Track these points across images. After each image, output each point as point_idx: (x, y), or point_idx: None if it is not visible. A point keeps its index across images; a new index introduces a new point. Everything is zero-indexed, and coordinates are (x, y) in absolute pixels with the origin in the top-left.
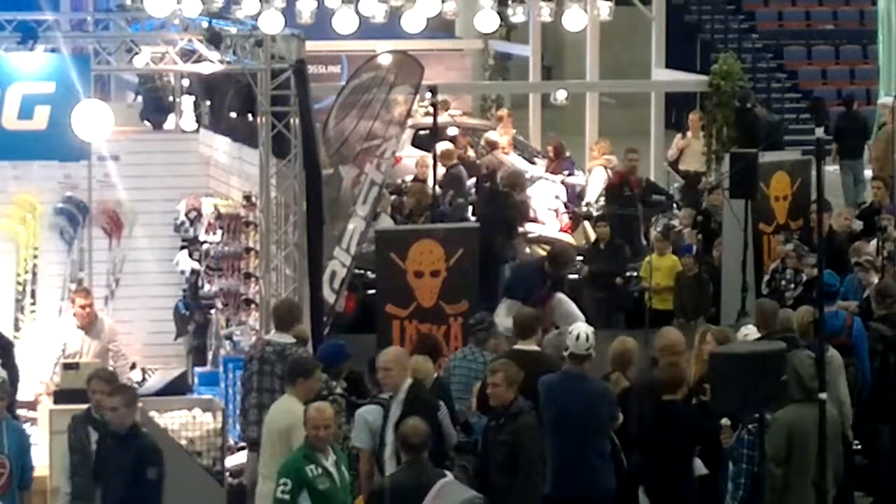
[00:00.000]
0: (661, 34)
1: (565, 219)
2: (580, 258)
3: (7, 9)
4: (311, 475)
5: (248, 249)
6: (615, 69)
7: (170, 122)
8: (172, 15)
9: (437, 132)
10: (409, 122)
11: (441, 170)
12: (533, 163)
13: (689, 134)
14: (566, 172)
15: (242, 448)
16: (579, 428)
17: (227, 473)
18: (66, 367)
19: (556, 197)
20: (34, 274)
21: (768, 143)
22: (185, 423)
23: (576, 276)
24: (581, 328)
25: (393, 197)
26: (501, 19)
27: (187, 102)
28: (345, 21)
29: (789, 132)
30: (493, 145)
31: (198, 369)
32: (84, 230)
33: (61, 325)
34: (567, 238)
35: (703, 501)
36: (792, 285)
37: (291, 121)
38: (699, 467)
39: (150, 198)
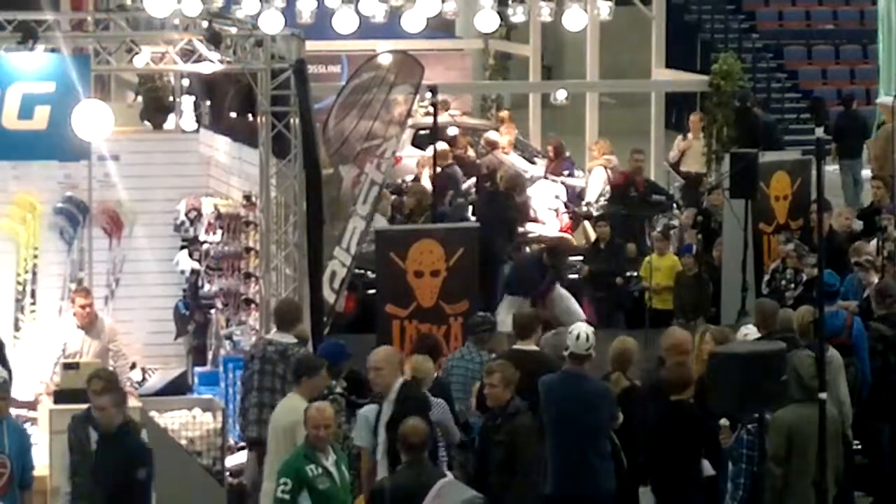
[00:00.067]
0: (662, 34)
1: (565, 219)
2: (580, 258)
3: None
4: (312, 475)
5: (248, 249)
6: (615, 69)
7: (170, 122)
8: (172, 15)
9: (437, 132)
10: (410, 121)
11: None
12: (533, 163)
13: (689, 135)
14: (566, 172)
15: (242, 448)
16: (579, 428)
17: (227, 473)
18: (66, 366)
19: (556, 197)
20: (34, 274)
21: (767, 142)
22: (185, 422)
23: (576, 276)
24: (581, 328)
25: (393, 197)
26: (501, 19)
27: (187, 102)
28: (345, 21)
29: (789, 132)
30: (493, 145)
31: (198, 369)
32: (84, 230)
33: (61, 325)
34: (567, 238)
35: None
36: (792, 285)
37: (291, 121)
38: (707, 468)
39: (150, 198)
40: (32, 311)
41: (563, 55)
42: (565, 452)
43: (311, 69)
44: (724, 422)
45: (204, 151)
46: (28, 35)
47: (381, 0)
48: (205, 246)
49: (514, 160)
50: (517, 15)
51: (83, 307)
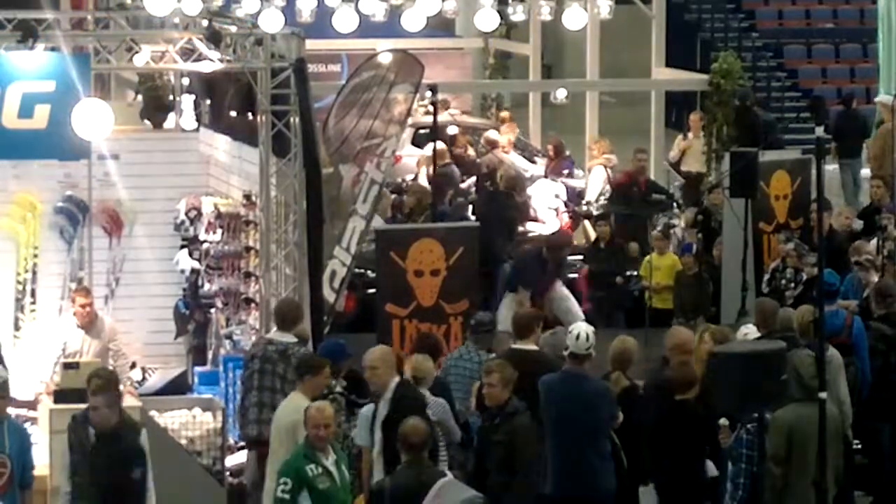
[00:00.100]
0: (662, 33)
1: (565, 218)
2: (580, 258)
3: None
4: (312, 475)
5: (248, 248)
6: (615, 68)
7: (170, 120)
8: (172, 13)
9: (437, 131)
10: (410, 121)
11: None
12: (533, 162)
13: (690, 135)
14: (566, 172)
15: (242, 448)
16: (579, 428)
17: (227, 473)
18: (66, 366)
19: (556, 196)
20: (34, 273)
21: (767, 142)
22: (185, 422)
23: (576, 275)
24: (581, 327)
25: (393, 196)
26: (501, 18)
27: (187, 101)
28: (345, 20)
29: (789, 131)
30: (492, 144)
31: (198, 369)
32: (84, 229)
33: (61, 325)
34: (566, 232)
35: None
36: (792, 284)
37: (291, 119)
38: (711, 469)
39: (150, 197)
40: (32, 311)
41: (563, 54)
42: (565, 452)
43: (311, 68)
44: (723, 421)
45: (204, 150)
46: (28, 34)
47: None
48: (205, 245)
49: (514, 159)
50: (517, 14)
51: (83, 306)
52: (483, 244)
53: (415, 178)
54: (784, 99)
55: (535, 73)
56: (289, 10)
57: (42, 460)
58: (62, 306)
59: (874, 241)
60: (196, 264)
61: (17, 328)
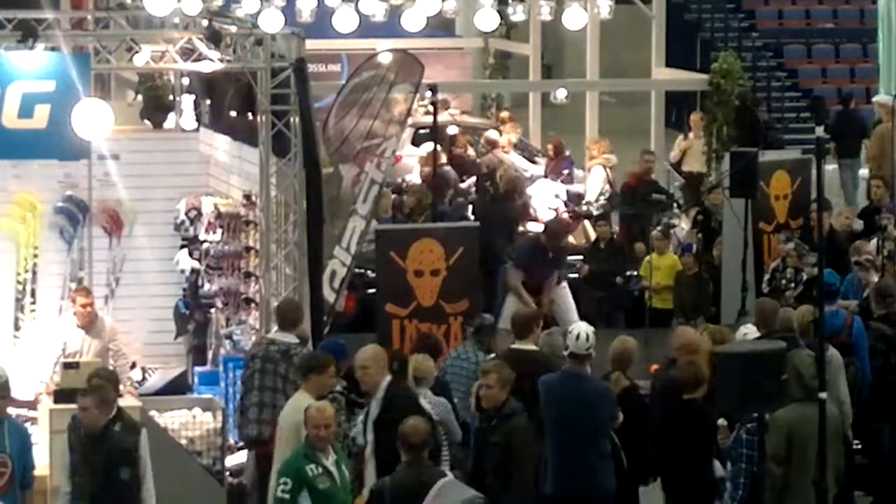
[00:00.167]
0: (662, 33)
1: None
2: (580, 258)
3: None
4: (312, 475)
5: (248, 248)
6: (615, 68)
7: (170, 120)
8: (172, 13)
9: (437, 131)
10: (410, 120)
11: (426, 170)
12: (534, 162)
13: (690, 135)
14: (566, 172)
15: (242, 448)
16: (579, 428)
17: (227, 473)
18: (67, 366)
19: (556, 196)
20: (34, 273)
21: (766, 142)
22: (185, 422)
23: (576, 276)
24: (581, 328)
25: (393, 196)
26: (501, 18)
27: (187, 101)
28: (345, 20)
29: (789, 131)
30: (492, 144)
31: (198, 369)
32: (84, 229)
33: (61, 325)
34: (565, 220)
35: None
36: (792, 284)
37: (291, 119)
38: (718, 469)
39: (150, 197)
40: (32, 311)
41: (563, 54)
42: (565, 452)
43: (311, 68)
44: (721, 422)
45: (204, 150)
46: (28, 34)
47: None
48: (205, 245)
49: (514, 159)
50: (517, 14)
51: (84, 306)
52: (483, 244)
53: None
54: (784, 99)
55: (535, 73)
56: (289, 10)
57: (42, 460)
58: (62, 306)
59: (874, 241)
60: (196, 264)
61: (17, 328)
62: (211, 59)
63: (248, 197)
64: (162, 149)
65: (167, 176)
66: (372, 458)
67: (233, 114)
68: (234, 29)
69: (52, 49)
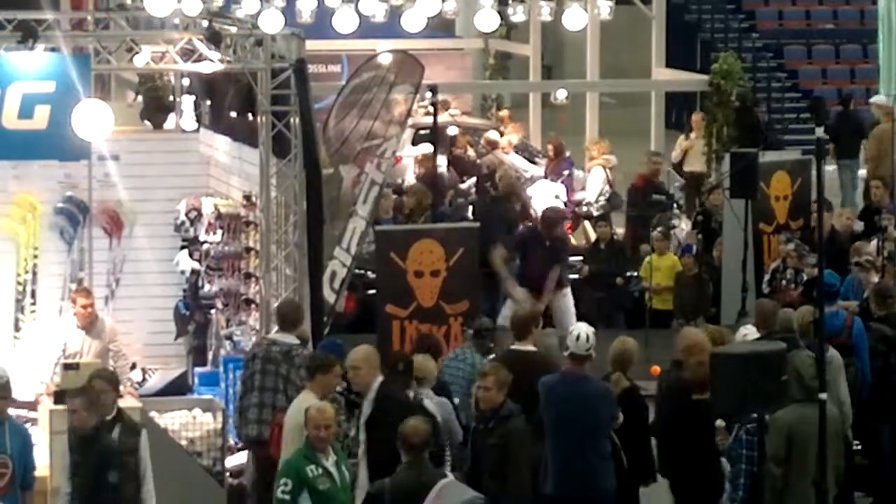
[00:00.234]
0: (662, 33)
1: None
2: (580, 258)
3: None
4: (312, 475)
5: (248, 249)
6: (615, 69)
7: (170, 121)
8: (173, 14)
9: (437, 132)
10: (410, 121)
11: (421, 171)
12: (534, 162)
13: (692, 134)
14: (566, 173)
15: (242, 448)
16: (579, 428)
17: (227, 473)
18: (67, 367)
19: (556, 197)
20: (34, 274)
21: (766, 142)
22: (185, 423)
23: (576, 277)
24: (582, 328)
25: (394, 197)
26: (501, 18)
27: (187, 102)
28: (345, 20)
29: (789, 132)
30: (493, 145)
31: (198, 369)
32: (84, 230)
33: (62, 325)
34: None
35: None
36: (792, 285)
37: (292, 120)
38: (726, 468)
39: (150, 197)
40: (32, 311)
41: (564, 55)
42: (565, 452)
43: (312, 69)
44: (719, 423)
45: (204, 151)
46: (28, 34)
47: None
48: (205, 246)
49: (515, 160)
50: (517, 14)
51: (84, 307)
52: (483, 245)
53: (416, 179)
54: (784, 100)
55: (536, 74)
56: (289, 11)
57: (42, 461)
58: (62, 307)
59: (874, 242)
60: (196, 265)
61: (17, 329)
62: (211, 60)
63: (248, 198)
64: (162, 149)
65: (167, 177)
66: (364, 459)
67: (233, 114)
68: (234, 30)
69: (53, 50)
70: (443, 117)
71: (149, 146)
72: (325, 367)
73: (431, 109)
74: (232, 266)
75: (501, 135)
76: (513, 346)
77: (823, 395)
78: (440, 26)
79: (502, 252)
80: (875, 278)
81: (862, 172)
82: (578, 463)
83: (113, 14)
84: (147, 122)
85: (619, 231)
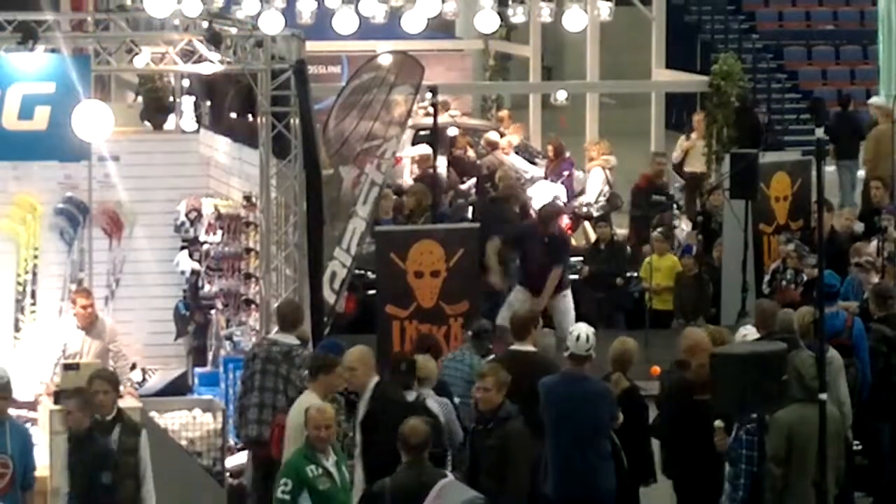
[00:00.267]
0: (662, 34)
1: (565, 219)
2: (580, 258)
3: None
4: (312, 475)
5: (248, 250)
6: (615, 69)
7: (170, 122)
8: (173, 15)
9: (437, 133)
10: (410, 122)
11: (417, 173)
12: (534, 163)
13: (693, 135)
14: (566, 173)
15: (242, 449)
16: (579, 428)
17: (227, 473)
18: (67, 367)
19: (556, 197)
20: (34, 274)
21: (766, 143)
22: (185, 423)
23: (576, 277)
24: (582, 329)
25: (395, 197)
26: (501, 19)
27: (187, 103)
28: (345, 21)
29: (789, 133)
30: (493, 145)
31: (198, 370)
32: (84, 230)
33: (61, 326)
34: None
35: None
36: (792, 285)
37: (292, 121)
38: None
39: (150, 198)
40: (32, 312)
41: (564, 56)
42: (565, 452)
43: (312, 70)
44: (718, 423)
45: (204, 152)
46: (28, 35)
47: (381, 0)
48: (205, 246)
49: (515, 161)
50: (517, 15)
51: (84, 308)
52: (483, 245)
53: (416, 179)
54: (784, 101)
55: (536, 75)
56: (289, 12)
57: (42, 461)
58: (62, 307)
59: (874, 243)
60: (196, 265)
61: (17, 329)
62: (211, 61)
63: (248, 198)
64: (162, 150)
65: (167, 177)
66: (360, 459)
67: (233, 115)
68: (234, 30)
69: (53, 51)
70: (443, 118)
71: (149, 147)
72: (328, 367)
73: (431, 110)
74: (232, 266)
75: (501, 136)
76: (512, 347)
77: (823, 396)
78: (440, 27)
79: (496, 243)
80: (875, 279)
81: (861, 173)
82: (578, 463)
83: (113, 15)
84: (147, 123)
85: (621, 231)
